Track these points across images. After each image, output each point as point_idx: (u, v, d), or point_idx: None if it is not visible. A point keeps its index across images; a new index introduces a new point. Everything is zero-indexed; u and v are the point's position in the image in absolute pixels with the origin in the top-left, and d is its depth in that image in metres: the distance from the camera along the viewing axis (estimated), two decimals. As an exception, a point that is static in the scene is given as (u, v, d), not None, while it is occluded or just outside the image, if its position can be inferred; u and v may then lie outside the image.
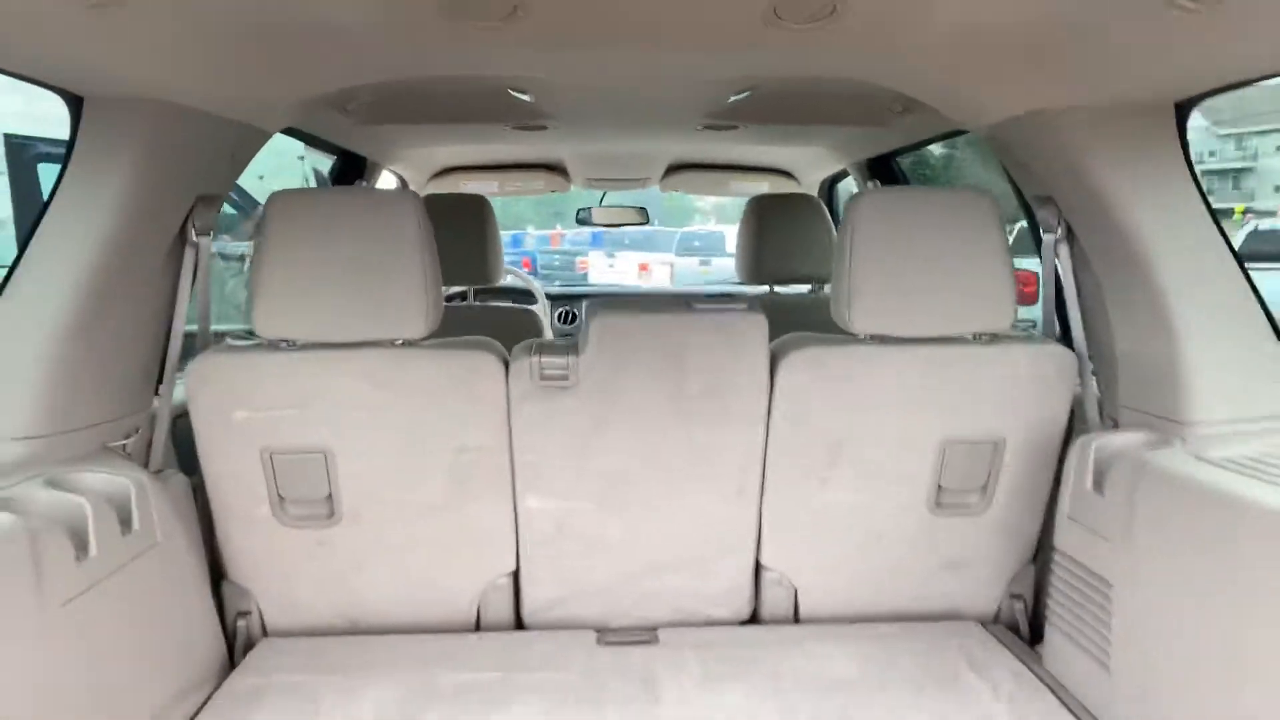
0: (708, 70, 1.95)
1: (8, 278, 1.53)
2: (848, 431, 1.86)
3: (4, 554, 1.21)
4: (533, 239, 18.13)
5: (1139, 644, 1.50)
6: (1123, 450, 1.62)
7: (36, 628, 1.25)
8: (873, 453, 1.88)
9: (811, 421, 1.85)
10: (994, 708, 1.63)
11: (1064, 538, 1.73)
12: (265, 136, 1.92)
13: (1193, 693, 1.36)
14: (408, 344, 1.78)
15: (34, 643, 1.25)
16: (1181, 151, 1.64)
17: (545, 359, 1.79)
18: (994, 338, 1.84)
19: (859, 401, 1.84)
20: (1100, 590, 1.59)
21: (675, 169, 3.64)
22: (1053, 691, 1.67)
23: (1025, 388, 1.84)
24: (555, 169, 3.61)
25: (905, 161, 3.05)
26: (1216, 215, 1.66)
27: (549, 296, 3.99)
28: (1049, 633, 1.79)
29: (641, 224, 4.42)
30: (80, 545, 1.36)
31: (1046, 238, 1.88)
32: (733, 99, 2.28)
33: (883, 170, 3.01)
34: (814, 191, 3.69)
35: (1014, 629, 1.98)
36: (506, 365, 1.81)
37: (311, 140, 2.54)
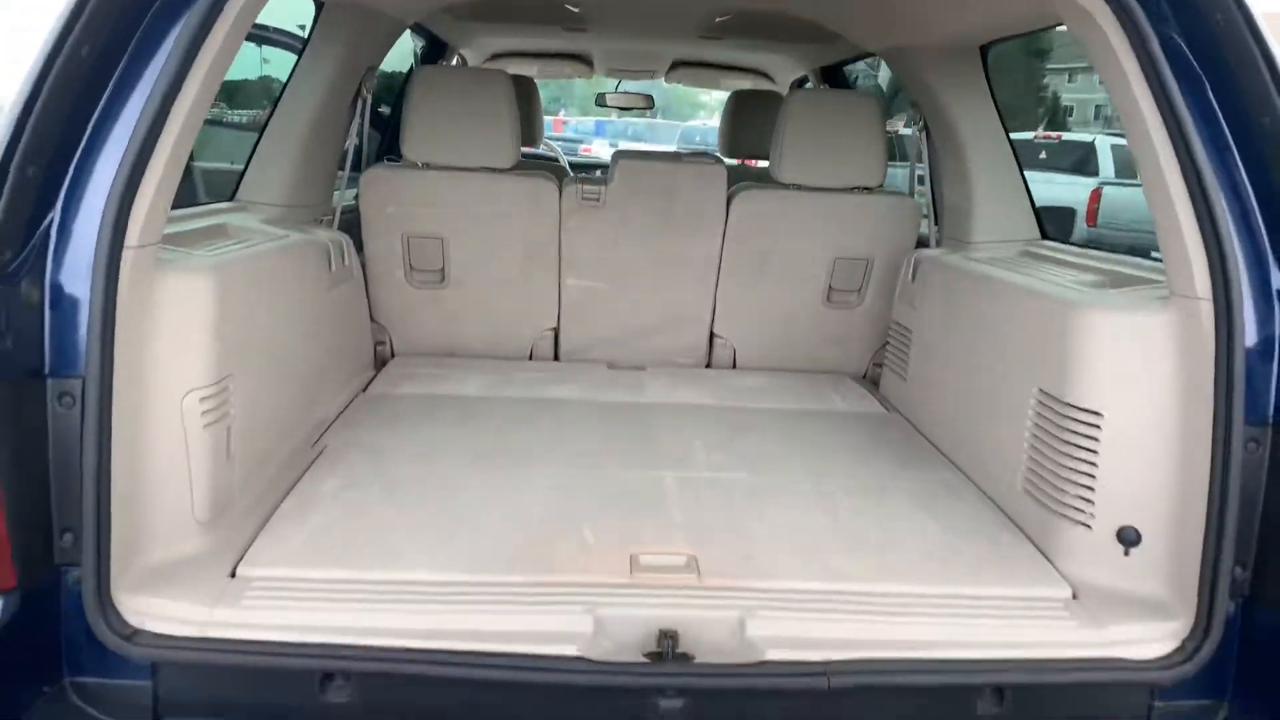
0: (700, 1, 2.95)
1: (270, 115, 2.54)
2: (772, 247, 2.92)
3: (311, 254, 2.27)
4: (537, 124, 18.81)
5: (921, 364, 2.60)
6: (930, 255, 2.69)
7: (319, 301, 2.32)
8: (788, 263, 2.95)
9: (749, 239, 2.91)
10: (843, 402, 2.75)
11: (895, 311, 2.82)
12: (405, 27, 2.92)
13: (946, 385, 2.45)
14: (499, 171, 2.81)
15: (317, 311, 2.31)
16: (985, 77, 2.65)
17: (585, 187, 2.84)
18: (868, 190, 2.88)
19: (781, 228, 2.90)
20: (905, 337, 2.69)
21: (677, 65, 4.61)
22: (875, 397, 2.80)
23: (887, 223, 2.90)
24: (582, 59, 4.58)
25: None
26: (1004, 119, 2.69)
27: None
28: (883, 371, 2.90)
29: (647, 108, 5.39)
30: (327, 263, 2.42)
31: (913, 129, 2.91)
32: (719, 19, 3.27)
33: (832, 76, 4.00)
34: (786, 90, 4.67)
35: (875, 383, 3.09)
36: (560, 189, 2.85)
37: (415, 28, 3.53)
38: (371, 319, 2.97)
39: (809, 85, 4.20)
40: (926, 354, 2.55)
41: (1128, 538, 1.65)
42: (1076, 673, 1.49)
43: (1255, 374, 1.50)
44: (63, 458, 1.36)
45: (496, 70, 2.85)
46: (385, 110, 3.58)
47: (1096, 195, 10.69)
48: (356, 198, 2.83)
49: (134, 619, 1.41)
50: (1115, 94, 1.62)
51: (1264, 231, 1.52)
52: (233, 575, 1.57)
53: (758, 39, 3.70)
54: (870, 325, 3.04)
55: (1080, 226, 10.91)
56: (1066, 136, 13.76)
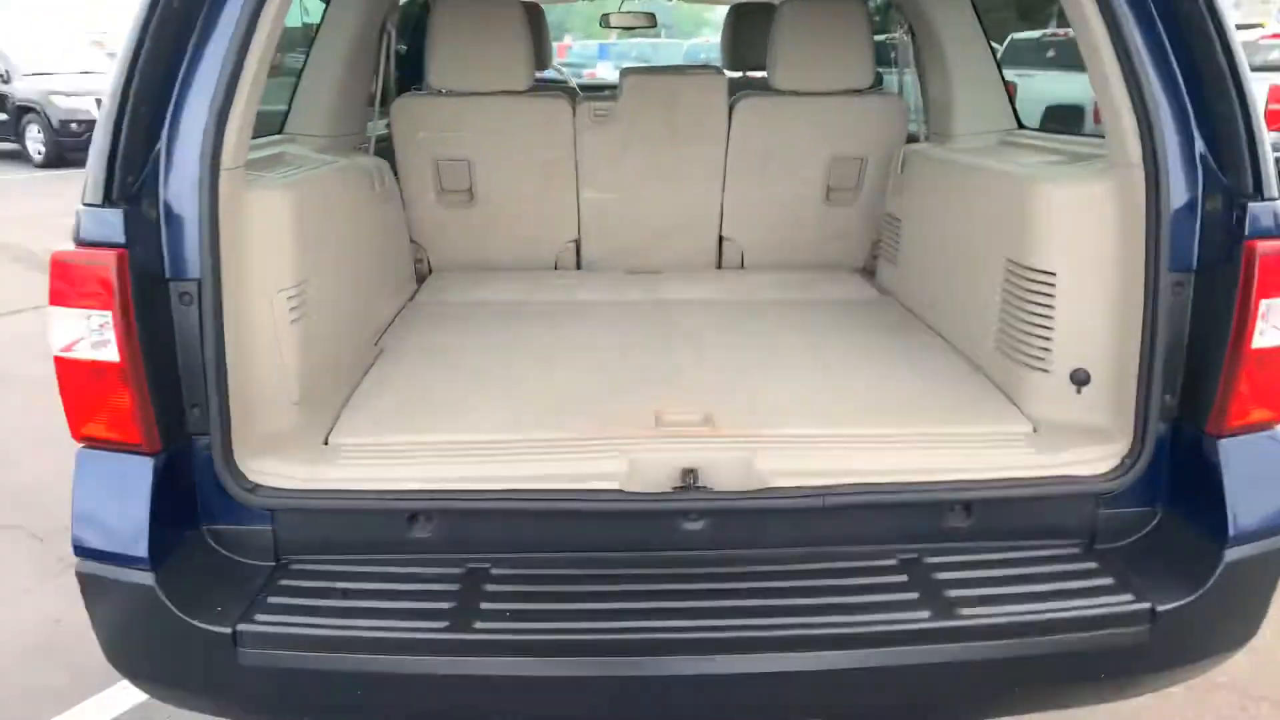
0: None
1: (307, 55, 2.78)
2: (773, 151, 3.16)
3: (358, 177, 2.55)
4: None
5: (909, 249, 2.86)
6: (917, 149, 2.92)
7: (369, 218, 2.59)
8: (788, 165, 3.19)
9: (750, 142, 3.15)
10: (840, 291, 3.02)
11: (887, 204, 3.06)
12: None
13: (931, 265, 2.71)
14: (516, 94, 3.05)
15: (368, 227, 2.59)
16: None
17: (596, 104, 3.08)
18: (859, 92, 3.10)
19: (779, 130, 3.13)
20: (896, 226, 2.94)
21: None
22: (872, 285, 3.07)
23: (877, 122, 3.13)
24: None
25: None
26: (982, 20, 2.88)
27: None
28: (879, 261, 3.16)
29: (650, 26, 5.55)
30: (372, 184, 2.69)
31: (899, 33, 3.12)
32: None
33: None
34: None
35: (873, 273, 3.35)
36: (574, 108, 3.09)
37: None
38: (410, 239, 3.25)
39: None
40: (914, 239, 2.80)
41: (1079, 378, 1.93)
42: (1032, 488, 1.80)
43: (1180, 228, 1.75)
44: (187, 346, 1.67)
45: (514, 3, 3.07)
46: (403, 48, 3.79)
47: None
48: (388, 126, 3.09)
49: (254, 476, 1.73)
50: None
51: (1189, 105, 1.76)
52: (326, 443, 1.90)
53: None
54: (867, 220, 3.28)
55: (1089, 125, 10.90)
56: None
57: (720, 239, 3.34)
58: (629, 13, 5.52)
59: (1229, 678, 2.74)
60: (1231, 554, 1.69)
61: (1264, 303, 1.67)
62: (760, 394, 2.13)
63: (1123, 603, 1.66)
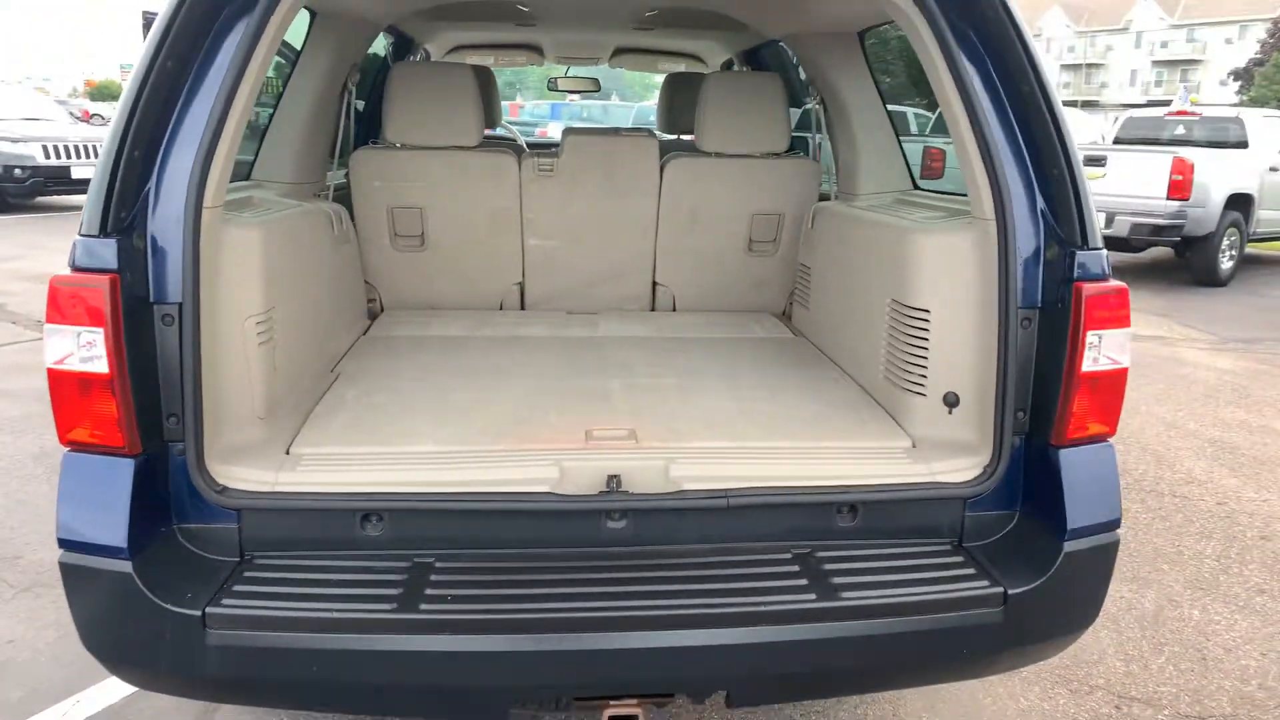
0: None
1: (275, 108, 3.04)
2: (700, 206, 3.49)
3: (321, 220, 2.79)
4: (494, 109, 19.40)
5: (818, 295, 3.18)
6: (824, 206, 3.27)
7: (329, 257, 2.84)
8: (714, 219, 3.52)
9: (679, 198, 3.48)
10: (760, 331, 3.33)
11: (800, 254, 3.40)
12: (381, 29, 3.43)
13: (834, 307, 3.03)
14: (466, 149, 3.34)
15: (327, 266, 2.83)
16: (864, 57, 3.23)
17: (540, 160, 3.38)
18: (777, 155, 3.46)
19: (705, 188, 3.46)
20: (807, 274, 3.27)
21: (618, 52, 5.16)
22: (788, 327, 3.39)
23: (793, 182, 3.48)
24: (534, 48, 5.10)
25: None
26: (881, 91, 3.26)
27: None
28: (794, 305, 3.49)
29: (594, 90, 5.94)
30: (331, 228, 2.94)
31: (811, 103, 3.49)
32: (647, 13, 3.82)
33: (752, 58, 4.57)
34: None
35: (790, 316, 3.66)
36: (519, 163, 3.39)
37: (387, 29, 4.03)
38: (364, 279, 3.49)
39: (735, 68, 4.76)
40: (821, 285, 3.13)
41: (950, 400, 2.25)
42: (907, 492, 2.09)
43: (1026, 272, 2.08)
44: (167, 361, 1.88)
45: (460, 64, 3.38)
46: (360, 104, 4.07)
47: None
48: (346, 176, 3.35)
49: (223, 480, 1.94)
50: (927, 71, 2.19)
51: (1031, 170, 2.11)
52: (287, 452, 2.11)
53: (684, 28, 4.26)
54: (786, 269, 3.61)
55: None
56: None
57: (654, 284, 3.64)
58: (574, 77, 5.91)
59: (1105, 681, 3.06)
60: (1070, 546, 1.99)
61: (1090, 334, 2.00)
62: (678, 414, 2.40)
63: (980, 588, 1.95)
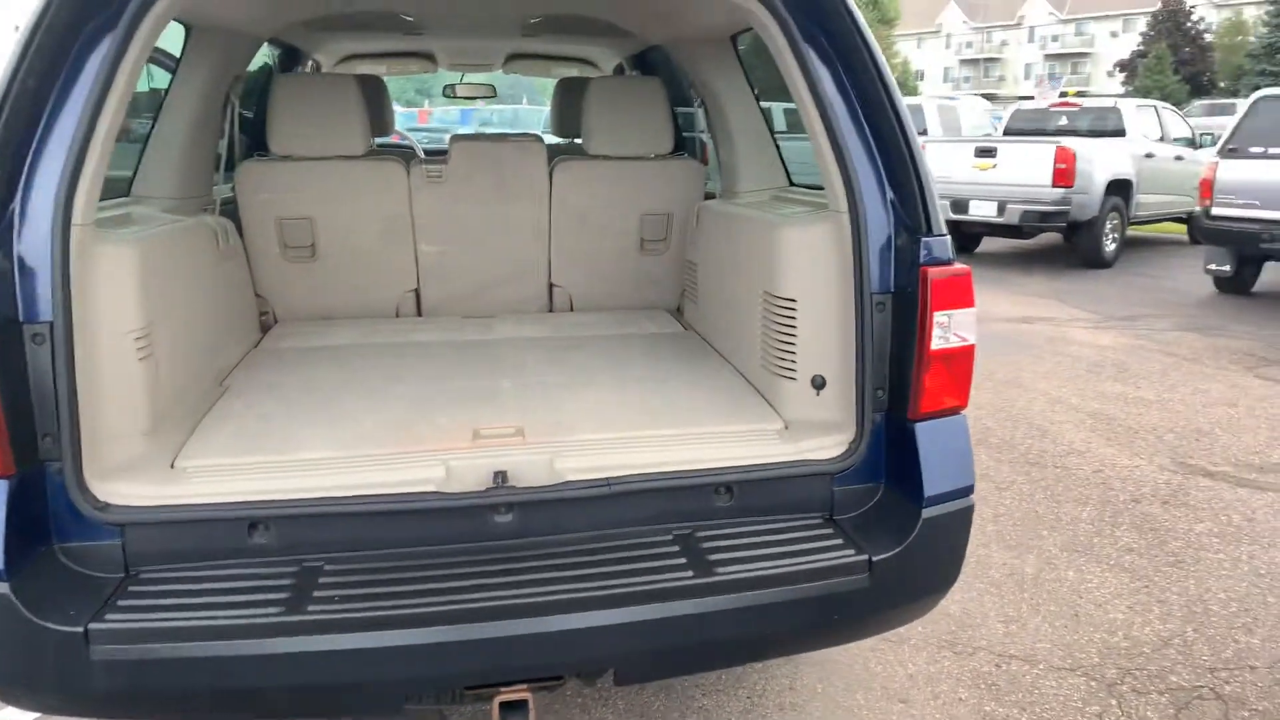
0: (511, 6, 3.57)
1: (154, 122, 3.02)
2: (590, 208, 3.58)
3: (203, 234, 2.79)
4: (400, 115, 19.26)
5: (704, 289, 3.30)
6: (707, 205, 3.39)
7: (212, 272, 2.84)
8: (605, 220, 3.61)
9: (570, 201, 3.56)
10: (652, 327, 3.44)
11: (687, 252, 3.52)
12: (263, 41, 3.43)
13: (717, 301, 3.15)
14: (353, 158, 3.37)
15: (211, 280, 2.83)
16: (738, 61, 3.36)
17: (428, 166, 3.43)
18: (662, 157, 3.57)
19: (595, 190, 3.56)
20: (694, 270, 3.39)
21: (511, 58, 5.21)
22: (680, 322, 3.50)
23: (680, 183, 3.60)
24: (426, 56, 5.11)
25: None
26: (756, 93, 3.40)
27: (425, 152, 5.57)
28: (685, 300, 3.61)
29: (491, 96, 5.99)
30: (216, 242, 2.93)
31: (696, 105, 3.61)
32: (531, 20, 3.89)
33: (639, 63, 4.68)
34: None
35: (682, 311, 3.78)
36: (408, 170, 3.43)
37: (272, 40, 4.01)
38: (256, 292, 3.47)
39: (626, 72, 4.88)
40: (706, 281, 3.26)
41: (817, 383, 2.38)
42: (778, 469, 2.21)
43: (880, 259, 2.23)
44: (40, 381, 1.88)
45: (344, 74, 3.40)
46: (248, 114, 4.05)
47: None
48: (233, 189, 3.34)
49: (105, 497, 1.95)
50: (784, 75, 2.32)
51: (880, 164, 2.25)
52: (173, 466, 2.13)
53: (569, 35, 4.35)
54: (677, 267, 3.73)
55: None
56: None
57: (550, 285, 3.72)
58: (470, 84, 5.95)
59: (987, 642, 3.26)
60: (928, 513, 2.14)
61: (937, 314, 2.15)
62: (566, 409, 2.48)
63: (846, 556, 2.08)
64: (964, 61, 74.82)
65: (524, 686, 1.98)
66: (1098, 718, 2.86)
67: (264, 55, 4.14)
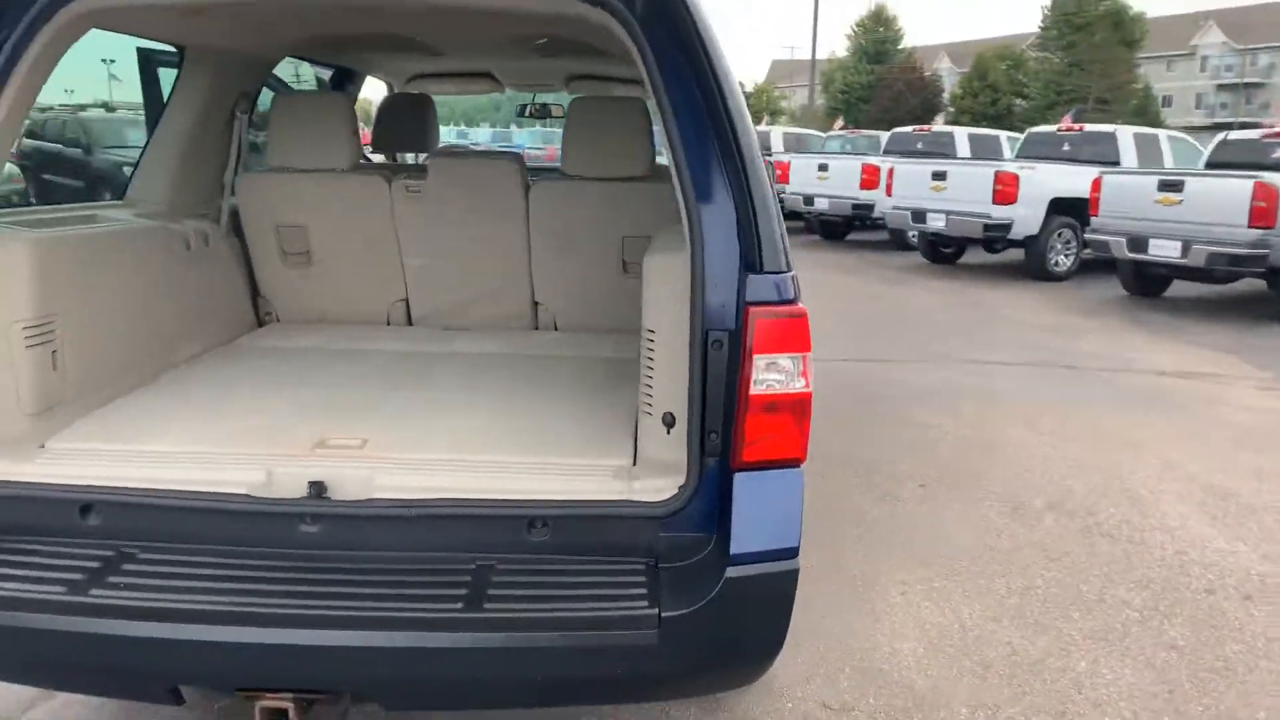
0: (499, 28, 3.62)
1: (151, 132, 3.32)
2: (571, 229, 3.55)
3: (160, 237, 3.03)
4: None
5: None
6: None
7: (167, 272, 3.07)
8: (586, 241, 3.57)
9: (549, 221, 3.55)
10: (623, 349, 3.34)
11: None
12: (275, 62, 3.68)
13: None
14: (341, 172, 3.53)
15: (167, 280, 3.06)
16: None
17: (409, 181, 3.54)
18: (637, 178, 3.49)
19: (574, 211, 3.53)
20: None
21: (573, 78, 5.28)
22: None
23: (659, 206, 3.48)
24: (490, 77, 5.29)
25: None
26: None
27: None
28: None
29: (559, 117, 6.11)
30: (185, 244, 3.16)
31: None
32: (538, 41, 3.92)
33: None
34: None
35: None
36: (389, 185, 3.56)
37: (313, 61, 4.31)
38: (260, 294, 3.72)
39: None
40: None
41: (667, 420, 2.24)
42: (594, 508, 2.10)
43: (723, 295, 2.06)
44: None
45: (336, 94, 3.57)
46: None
47: (1097, 184, 10.82)
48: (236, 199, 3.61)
49: None
50: (651, 95, 2.20)
51: (732, 196, 2.08)
52: (42, 447, 2.32)
53: (593, 55, 4.33)
54: None
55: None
56: (1090, 128, 13.84)
57: (535, 304, 3.73)
58: (540, 104, 6.12)
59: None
60: (733, 572, 1.95)
61: (758, 357, 1.97)
62: (429, 428, 2.48)
63: (636, 608, 1.94)
64: (1221, 86, 67.64)
65: (289, 695, 1.98)
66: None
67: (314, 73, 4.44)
